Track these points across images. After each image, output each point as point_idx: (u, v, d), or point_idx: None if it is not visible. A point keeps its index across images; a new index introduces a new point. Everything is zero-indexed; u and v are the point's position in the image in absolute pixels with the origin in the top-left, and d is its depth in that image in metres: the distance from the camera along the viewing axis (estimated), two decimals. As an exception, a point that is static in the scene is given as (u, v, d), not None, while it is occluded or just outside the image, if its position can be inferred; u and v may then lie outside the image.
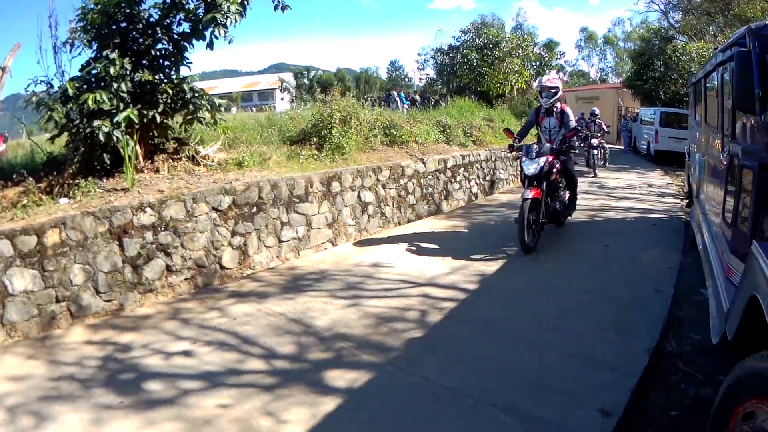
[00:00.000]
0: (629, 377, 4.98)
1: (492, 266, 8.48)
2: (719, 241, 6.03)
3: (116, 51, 7.54)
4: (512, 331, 6.06)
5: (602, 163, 23.12)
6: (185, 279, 7.18)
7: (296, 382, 4.85)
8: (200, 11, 7.99)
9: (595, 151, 21.86)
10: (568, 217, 11.48)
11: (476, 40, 29.28)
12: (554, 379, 4.95)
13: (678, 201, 15.05)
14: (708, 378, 5.09)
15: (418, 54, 52.21)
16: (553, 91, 10.72)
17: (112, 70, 7.29)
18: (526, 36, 31.97)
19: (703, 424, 3.48)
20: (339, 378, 4.96)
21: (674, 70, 32.73)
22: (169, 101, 8.21)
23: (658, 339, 5.88)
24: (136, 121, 7.59)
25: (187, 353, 5.43)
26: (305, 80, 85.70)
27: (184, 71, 8.56)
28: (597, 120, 23.25)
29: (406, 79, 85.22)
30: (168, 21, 8.08)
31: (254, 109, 38.34)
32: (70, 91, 7.27)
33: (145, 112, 7.85)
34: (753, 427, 2.80)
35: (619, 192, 16.72)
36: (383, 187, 10.87)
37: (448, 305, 6.82)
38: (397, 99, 33.40)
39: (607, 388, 4.78)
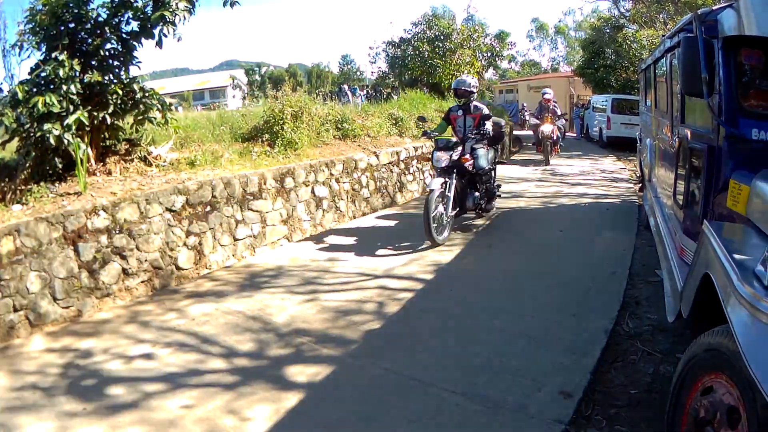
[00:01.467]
0: (588, 358, 5.10)
1: (447, 255, 8.59)
2: (672, 222, 6.13)
3: (65, 52, 7.42)
4: (470, 318, 6.16)
5: (481, 205, 10.44)
6: (142, 281, 7.12)
7: (258, 380, 4.86)
8: (148, 9, 7.87)
9: (438, 187, 9.13)
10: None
11: (427, 32, 29.31)
12: (514, 364, 5.04)
13: (631, 185, 15.28)
14: (666, 356, 5.21)
15: (370, 47, 52.21)
16: None
17: (61, 72, 7.19)
18: (477, 27, 32.00)
19: (663, 401, 3.55)
20: (300, 373, 4.98)
21: (625, 58, 33.15)
22: (119, 102, 8.09)
23: (615, 320, 6.01)
24: (87, 123, 7.48)
25: (147, 356, 5.39)
26: (257, 77, 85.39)
27: (133, 71, 8.46)
28: (473, 104, 10.46)
29: (358, 73, 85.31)
30: (116, 20, 7.95)
31: (200, 107, 37.92)
32: (20, 95, 7.16)
33: (96, 113, 7.74)
34: (712, 401, 2.88)
35: (573, 178, 16.93)
36: (337, 181, 10.87)
37: (406, 296, 6.90)
38: (349, 93, 33.45)
39: (567, 370, 4.87)
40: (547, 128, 20.70)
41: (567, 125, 30.31)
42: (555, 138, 21.39)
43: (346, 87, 38.35)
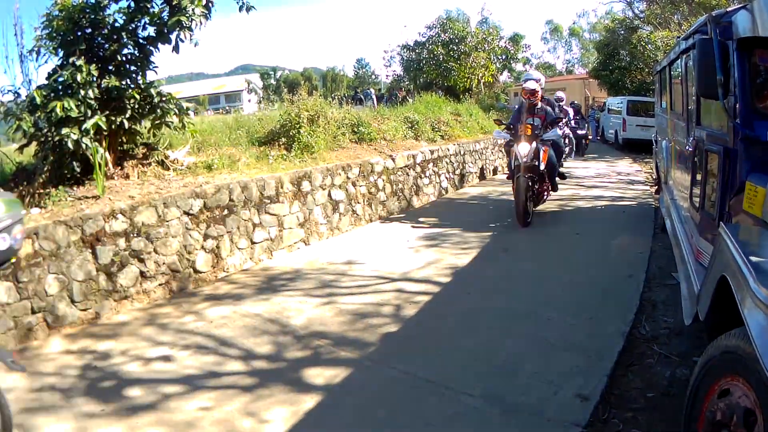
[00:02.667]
0: (605, 361, 5.08)
1: (464, 258, 8.57)
2: (688, 225, 6.12)
3: (82, 57, 7.48)
4: (486, 322, 6.16)
5: None
6: (160, 284, 7.15)
7: (276, 382, 4.88)
8: (165, 15, 7.94)
9: None
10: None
11: (442, 35, 29.34)
12: (530, 367, 5.03)
13: (647, 188, 15.21)
14: (682, 359, 5.18)
15: (385, 51, 52.24)
16: None
17: (78, 77, 7.25)
18: (491, 30, 32.02)
19: (680, 404, 3.54)
20: (318, 375, 5.00)
21: (640, 60, 33.00)
22: (136, 106, 8.16)
23: (632, 323, 5.98)
24: (105, 128, 7.55)
25: (166, 358, 5.42)
26: (272, 81, 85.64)
27: (150, 76, 8.51)
28: None
29: (373, 76, 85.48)
30: (133, 25, 8.02)
31: (211, 111, 37.93)
32: (38, 100, 7.22)
33: (113, 118, 7.80)
34: (728, 404, 2.87)
35: (589, 181, 16.87)
36: (353, 184, 10.89)
37: (423, 299, 6.90)
38: (374, 97, 33.68)
39: (583, 373, 4.86)
40: (523, 149, 10.59)
41: (587, 130, 22.14)
42: (542, 169, 10.91)
43: (372, 91, 38.69)
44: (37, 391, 4.81)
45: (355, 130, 12.96)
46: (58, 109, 7.02)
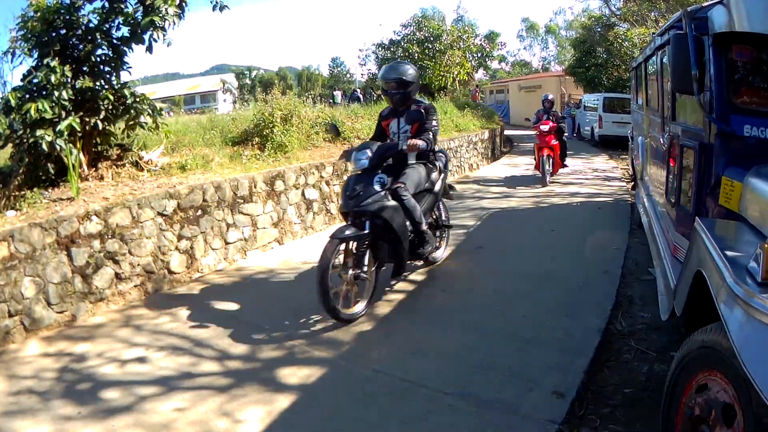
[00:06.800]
0: (581, 358, 5.09)
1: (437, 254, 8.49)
2: (664, 220, 6.15)
3: (57, 58, 7.43)
4: (460, 319, 6.16)
5: None
6: (135, 286, 7.11)
7: (250, 382, 4.86)
8: (139, 15, 7.88)
9: None
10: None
11: (417, 33, 29.44)
12: (506, 364, 5.04)
13: (623, 184, 15.28)
14: (660, 354, 5.20)
15: (360, 50, 52.31)
16: None
17: (53, 78, 7.19)
18: (467, 28, 32.13)
19: (657, 400, 3.55)
20: (292, 375, 4.99)
21: (616, 56, 33.11)
22: (110, 107, 8.11)
23: (608, 319, 6.00)
24: (79, 129, 7.50)
25: (141, 359, 5.39)
26: (247, 80, 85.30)
27: (124, 76, 8.47)
28: None
29: (348, 75, 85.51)
30: (107, 26, 7.96)
31: (182, 112, 37.71)
32: (13, 102, 7.16)
33: (87, 119, 7.75)
34: (707, 399, 2.87)
35: (564, 177, 16.86)
36: (327, 183, 10.87)
37: (396, 297, 6.91)
38: (361, 96, 33.65)
39: (560, 370, 4.86)
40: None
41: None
42: None
43: (358, 91, 38.80)
44: (14, 395, 4.78)
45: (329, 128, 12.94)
46: (32, 111, 6.97)
